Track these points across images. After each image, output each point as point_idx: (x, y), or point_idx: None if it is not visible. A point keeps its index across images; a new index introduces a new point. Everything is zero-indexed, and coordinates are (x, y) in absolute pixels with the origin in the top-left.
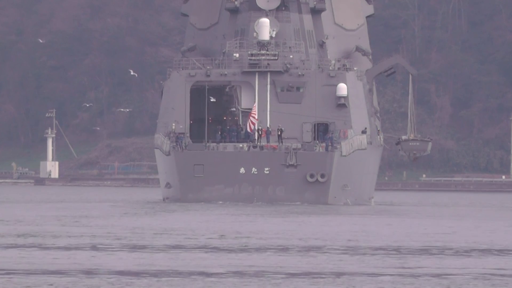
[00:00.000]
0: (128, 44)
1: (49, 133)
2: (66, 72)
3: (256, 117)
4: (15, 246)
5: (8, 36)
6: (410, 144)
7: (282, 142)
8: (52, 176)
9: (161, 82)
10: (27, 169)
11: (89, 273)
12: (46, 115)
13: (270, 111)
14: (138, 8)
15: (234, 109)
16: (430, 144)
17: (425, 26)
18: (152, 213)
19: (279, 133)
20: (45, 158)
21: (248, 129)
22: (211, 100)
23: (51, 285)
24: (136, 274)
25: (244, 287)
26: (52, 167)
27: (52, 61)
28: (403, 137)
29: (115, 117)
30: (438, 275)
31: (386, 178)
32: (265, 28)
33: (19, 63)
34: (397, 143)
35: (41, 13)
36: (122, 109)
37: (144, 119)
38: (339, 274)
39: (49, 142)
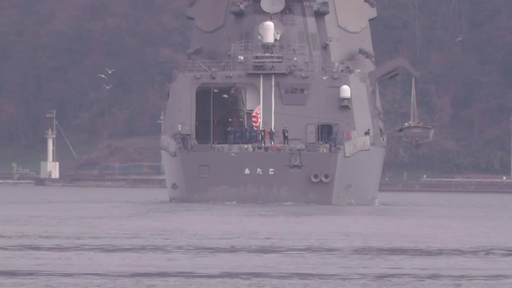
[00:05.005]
0: (129, 45)
1: (50, 133)
2: (67, 73)
3: (260, 118)
4: (17, 247)
5: (8, 37)
6: (413, 131)
7: (287, 143)
8: (53, 176)
9: (167, 84)
10: (27, 170)
11: (106, 274)
12: (47, 115)
13: (274, 112)
14: (138, 9)
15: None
16: (432, 131)
17: (426, 27)
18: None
19: (286, 134)
20: (45, 158)
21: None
22: (224, 96)
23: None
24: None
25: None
26: (52, 168)
27: (52, 62)
28: (406, 124)
29: (115, 117)
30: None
31: (387, 179)
32: (269, 31)
33: (19, 64)
34: (400, 130)
35: (41, 14)
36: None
37: (145, 119)
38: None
39: (50, 142)
